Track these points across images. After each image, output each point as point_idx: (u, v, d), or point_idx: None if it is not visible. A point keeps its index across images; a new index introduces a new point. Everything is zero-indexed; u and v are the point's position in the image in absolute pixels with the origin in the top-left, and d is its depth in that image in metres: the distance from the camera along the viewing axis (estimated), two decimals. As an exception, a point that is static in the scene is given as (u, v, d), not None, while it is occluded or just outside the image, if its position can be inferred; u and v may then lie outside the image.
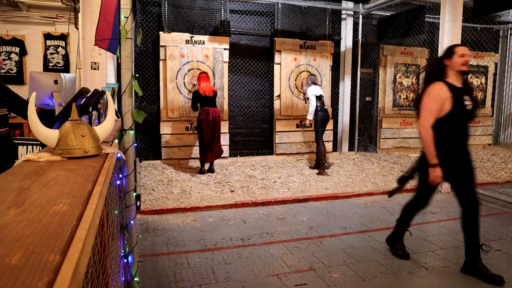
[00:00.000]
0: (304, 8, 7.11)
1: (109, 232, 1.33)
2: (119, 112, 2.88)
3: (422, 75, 2.99)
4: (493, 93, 8.88)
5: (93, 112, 2.01)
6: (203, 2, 6.55)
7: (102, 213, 1.00)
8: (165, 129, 6.42)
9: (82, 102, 1.89)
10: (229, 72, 6.80)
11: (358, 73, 7.67)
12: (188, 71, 6.45)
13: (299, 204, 4.54)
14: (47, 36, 6.70)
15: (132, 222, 2.20)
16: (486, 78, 8.68)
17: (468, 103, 2.71)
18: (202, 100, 5.51)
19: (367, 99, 7.91)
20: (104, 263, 1.07)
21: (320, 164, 5.93)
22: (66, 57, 6.81)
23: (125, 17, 2.07)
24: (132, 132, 2.17)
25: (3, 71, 6.36)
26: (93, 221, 0.68)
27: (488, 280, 2.67)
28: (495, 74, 8.83)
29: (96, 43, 2.56)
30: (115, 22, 2.47)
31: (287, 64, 7.07)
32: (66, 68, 6.78)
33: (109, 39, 2.47)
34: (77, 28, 6.43)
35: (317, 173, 5.87)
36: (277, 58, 7.02)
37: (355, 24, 7.58)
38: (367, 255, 3.18)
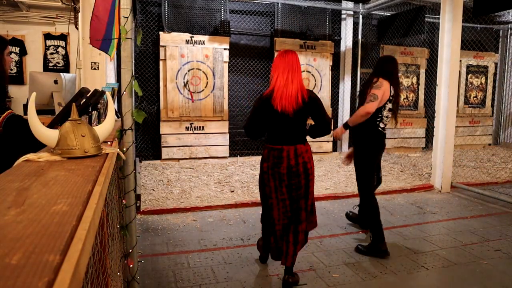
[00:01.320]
0: (304, 8, 7.11)
1: (109, 232, 1.33)
2: (119, 112, 2.88)
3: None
4: (493, 93, 8.88)
5: (93, 112, 2.01)
6: (203, 2, 6.55)
7: (102, 213, 1.00)
8: (165, 129, 6.42)
9: (82, 102, 1.89)
10: (229, 72, 6.80)
11: (358, 73, 7.67)
12: (188, 71, 6.45)
13: (299, 204, 4.54)
14: (47, 36, 6.71)
15: (132, 222, 2.20)
16: (486, 78, 8.68)
17: None
18: (272, 121, 2.56)
19: (367, 99, 7.90)
20: (104, 263, 1.07)
21: None
22: (66, 57, 6.81)
23: (125, 17, 2.06)
24: (132, 132, 2.17)
25: None
26: (93, 221, 0.68)
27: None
28: (495, 74, 8.82)
29: (90, 41, 2.57)
30: (109, 21, 2.46)
31: (287, 64, 7.06)
32: (66, 68, 6.79)
33: (101, 39, 2.47)
34: (77, 28, 6.43)
35: None
36: (277, 58, 7.01)
37: (355, 24, 7.58)
38: (367, 255, 3.18)
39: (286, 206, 2.59)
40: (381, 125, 3.13)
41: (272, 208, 2.65)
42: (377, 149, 3.18)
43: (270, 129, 2.59)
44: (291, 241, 2.57)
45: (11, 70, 6.46)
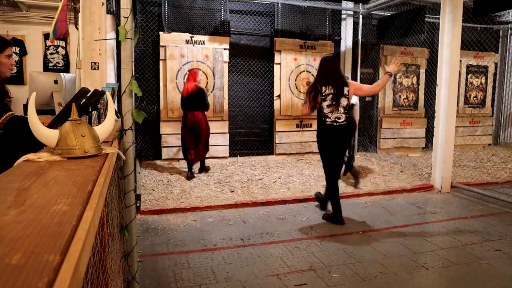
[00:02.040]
0: (304, 8, 7.11)
1: (109, 232, 1.33)
2: (119, 112, 2.88)
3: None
4: (493, 93, 8.88)
5: (93, 112, 2.01)
6: (203, 2, 6.55)
7: (102, 213, 1.00)
8: (165, 129, 6.42)
9: (82, 102, 1.89)
10: (229, 72, 6.80)
11: (358, 73, 7.67)
12: (188, 71, 6.45)
13: (299, 204, 4.54)
14: (47, 36, 6.70)
15: (132, 222, 2.20)
16: (486, 78, 8.68)
17: None
18: (182, 102, 5.49)
19: (367, 99, 7.90)
20: (104, 263, 1.07)
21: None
22: (66, 57, 6.81)
23: (125, 17, 2.06)
24: (132, 132, 2.17)
25: None
26: (93, 221, 0.68)
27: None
28: (495, 74, 8.82)
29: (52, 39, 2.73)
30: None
31: (287, 64, 7.07)
32: (66, 68, 6.79)
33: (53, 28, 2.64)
34: (77, 28, 6.43)
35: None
36: (277, 58, 7.02)
37: (355, 24, 7.57)
38: (367, 255, 3.18)
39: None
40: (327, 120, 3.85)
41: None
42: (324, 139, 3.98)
43: None
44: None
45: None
